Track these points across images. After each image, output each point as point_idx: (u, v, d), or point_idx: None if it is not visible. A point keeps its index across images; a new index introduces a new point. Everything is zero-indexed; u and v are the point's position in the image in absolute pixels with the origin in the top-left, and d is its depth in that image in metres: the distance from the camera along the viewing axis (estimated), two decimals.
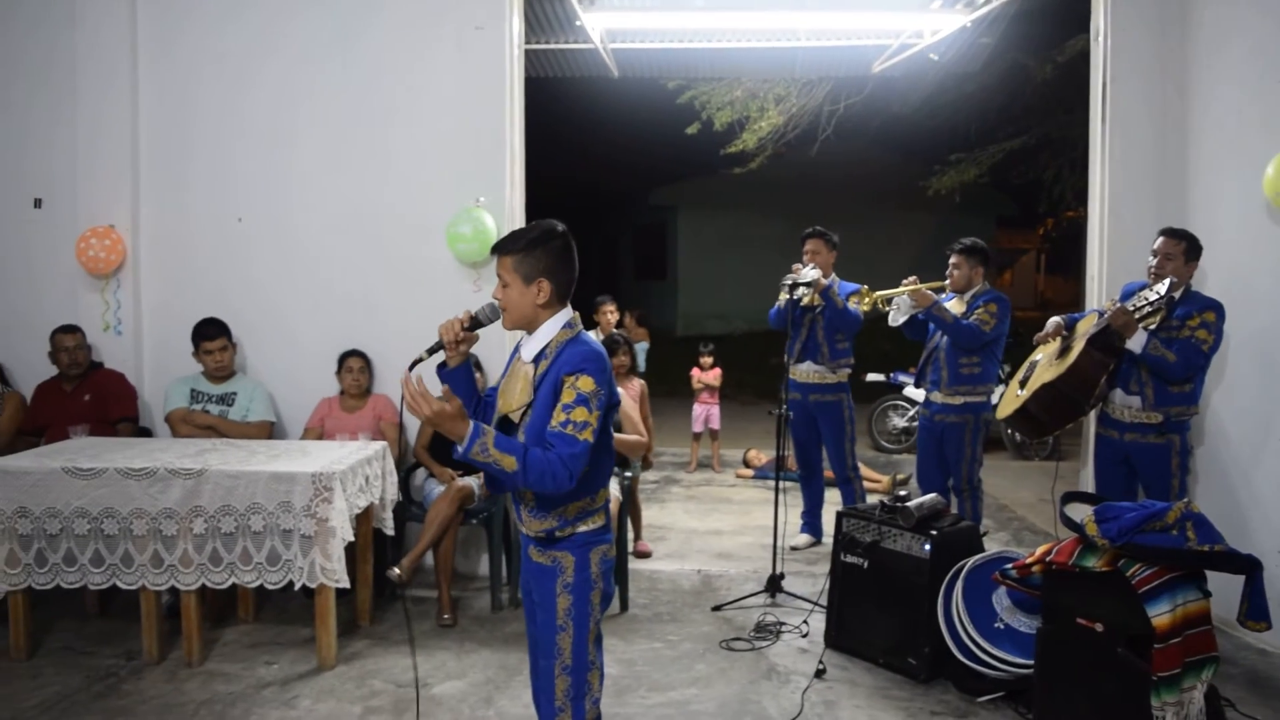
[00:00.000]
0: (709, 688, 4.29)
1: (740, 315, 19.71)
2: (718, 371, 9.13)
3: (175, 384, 5.65)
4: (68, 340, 5.69)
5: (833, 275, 6.18)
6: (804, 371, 6.23)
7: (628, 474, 5.58)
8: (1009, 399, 4.89)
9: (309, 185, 5.94)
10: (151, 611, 4.50)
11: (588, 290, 8.81)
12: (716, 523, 7.19)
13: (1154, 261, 4.60)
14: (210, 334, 5.59)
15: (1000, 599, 4.22)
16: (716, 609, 5.23)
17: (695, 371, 9.15)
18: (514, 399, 2.79)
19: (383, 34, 5.83)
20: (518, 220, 5.81)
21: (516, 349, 2.89)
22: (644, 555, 6.23)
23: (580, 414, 2.60)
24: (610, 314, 8.44)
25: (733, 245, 20.70)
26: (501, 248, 2.79)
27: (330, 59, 5.88)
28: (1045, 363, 4.77)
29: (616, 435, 5.25)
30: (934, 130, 13.99)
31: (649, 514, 7.11)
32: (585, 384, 2.63)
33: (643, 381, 6.40)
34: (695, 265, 21.61)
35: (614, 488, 5.21)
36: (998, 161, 13.40)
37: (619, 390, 5.51)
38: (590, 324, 8.11)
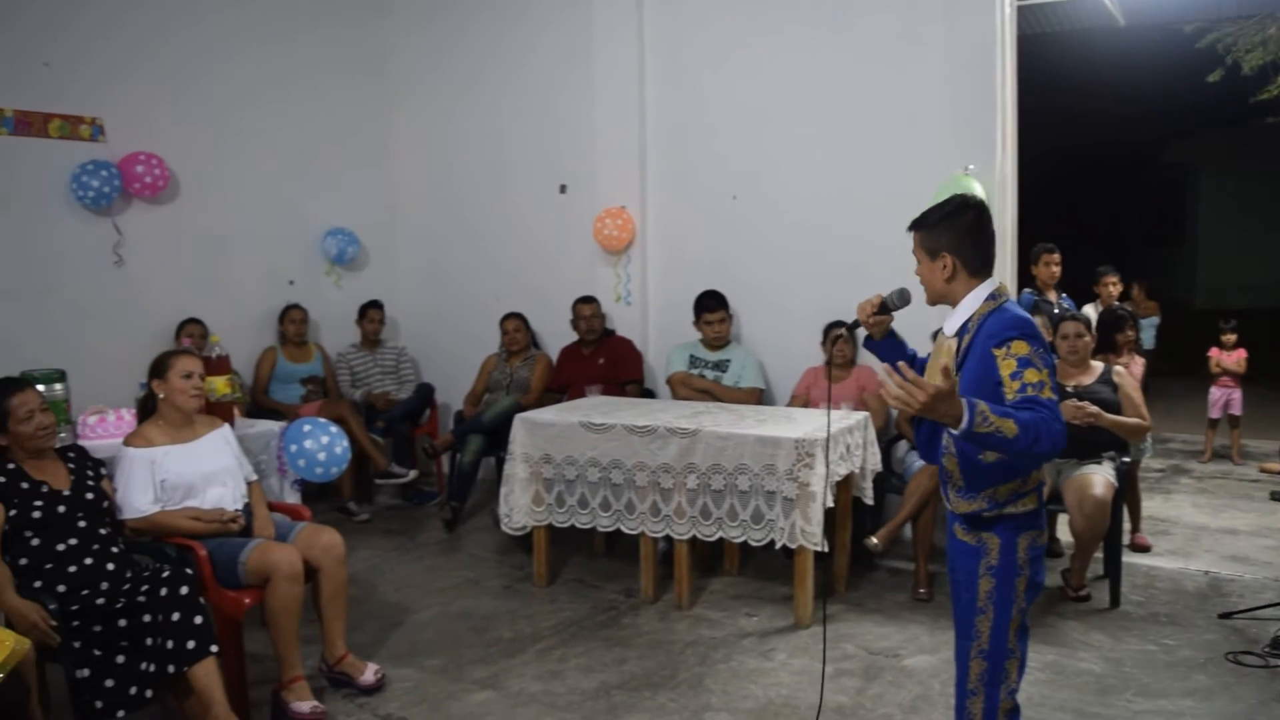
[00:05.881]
0: (1208, 701, 3.88)
1: (1274, 287, 17.27)
2: (1241, 354, 8.08)
3: (677, 350, 6.16)
4: (586, 309, 6.44)
5: None
6: None
7: (1125, 459, 5.16)
8: None
9: (798, 162, 6.16)
10: (649, 556, 4.98)
11: (1087, 259, 8.30)
12: (1231, 520, 6.42)
13: None
14: (712, 306, 6.03)
15: None
16: (1225, 616, 4.70)
17: (1214, 351, 8.18)
18: (937, 374, 2.70)
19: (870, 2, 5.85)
20: (1009, 188, 5.60)
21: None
22: (1142, 549, 5.74)
23: (1031, 375, 2.49)
24: (1113, 285, 7.80)
25: (1266, 206, 18.09)
26: (912, 224, 2.79)
27: (818, 36, 6.02)
28: None
29: (1113, 418, 4.88)
30: None
31: (1150, 504, 6.53)
32: (1019, 348, 2.51)
33: (1143, 360, 5.87)
34: (1219, 229, 19.09)
35: (1109, 472, 4.85)
36: None
37: (1119, 369, 5.16)
38: (1090, 296, 7.60)
